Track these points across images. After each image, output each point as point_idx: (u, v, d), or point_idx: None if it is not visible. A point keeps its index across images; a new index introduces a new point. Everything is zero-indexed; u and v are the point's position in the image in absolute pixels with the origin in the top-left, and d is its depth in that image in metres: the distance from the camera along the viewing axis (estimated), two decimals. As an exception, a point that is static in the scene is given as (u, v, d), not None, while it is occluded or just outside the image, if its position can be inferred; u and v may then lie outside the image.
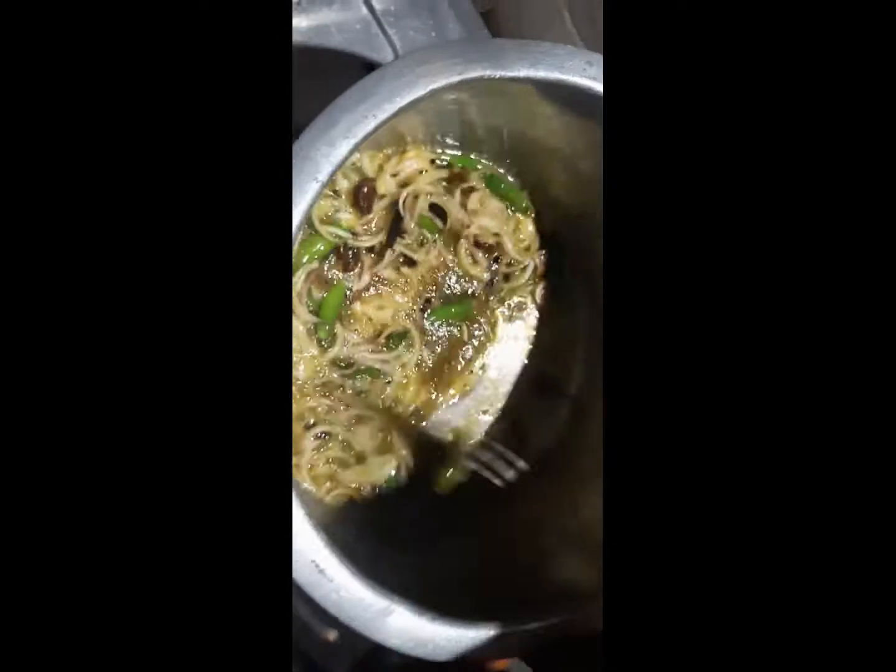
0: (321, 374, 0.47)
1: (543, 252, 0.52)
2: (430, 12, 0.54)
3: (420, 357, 0.50)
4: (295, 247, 0.32)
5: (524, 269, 0.52)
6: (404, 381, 0.49)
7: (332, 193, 0.46)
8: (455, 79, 0.36)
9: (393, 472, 0.48)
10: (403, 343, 0.49)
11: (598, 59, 0.38)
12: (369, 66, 0.54)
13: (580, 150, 0.44)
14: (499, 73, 0.36)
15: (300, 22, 0.53)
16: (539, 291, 0.53)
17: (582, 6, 0.57)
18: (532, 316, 0.53)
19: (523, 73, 0.37)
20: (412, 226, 0.48)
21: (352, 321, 0.48)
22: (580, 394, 0.53)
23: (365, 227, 0.47)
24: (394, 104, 0.35)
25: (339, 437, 0.47)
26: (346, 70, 0.54)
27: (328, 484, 0.46)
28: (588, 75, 0.38)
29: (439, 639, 0.33)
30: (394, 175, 0.46)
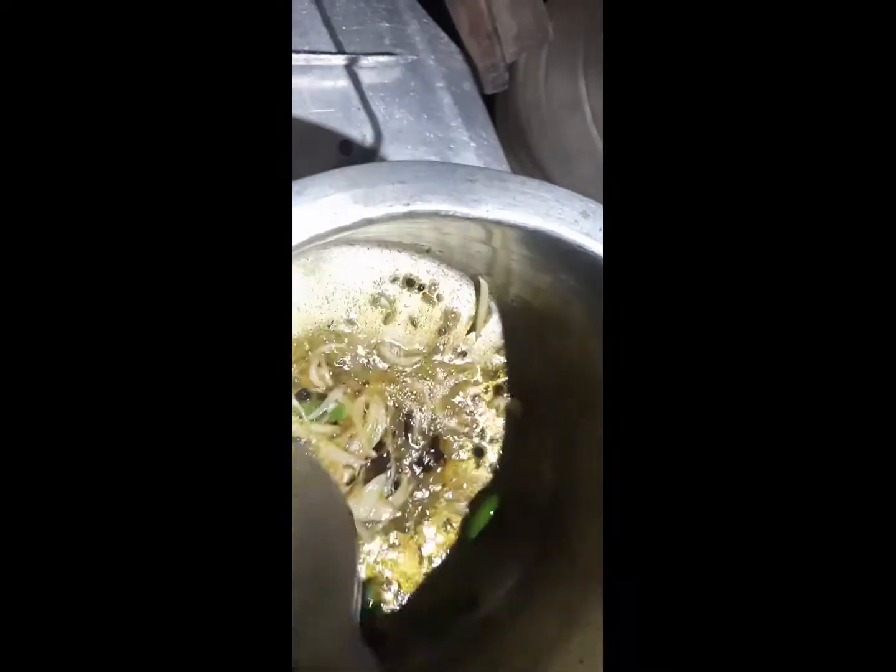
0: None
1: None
2: (423, 91, 0.46)
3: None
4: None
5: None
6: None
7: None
8: (399, 209, 0.27)
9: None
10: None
11: (597, 209, 0.29)
12: (344, 145, 0.46)
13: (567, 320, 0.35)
14: (459, 211, 0.27)
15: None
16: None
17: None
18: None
19: (494, 214, 0.28)
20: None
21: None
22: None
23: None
24: (306, 231, 0.26)
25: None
26: (313, 146, 0.45)
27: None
28: (581, 229, 0.29)
29: None
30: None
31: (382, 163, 0.41)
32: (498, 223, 0.28)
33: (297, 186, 0.26)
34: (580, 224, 0.29)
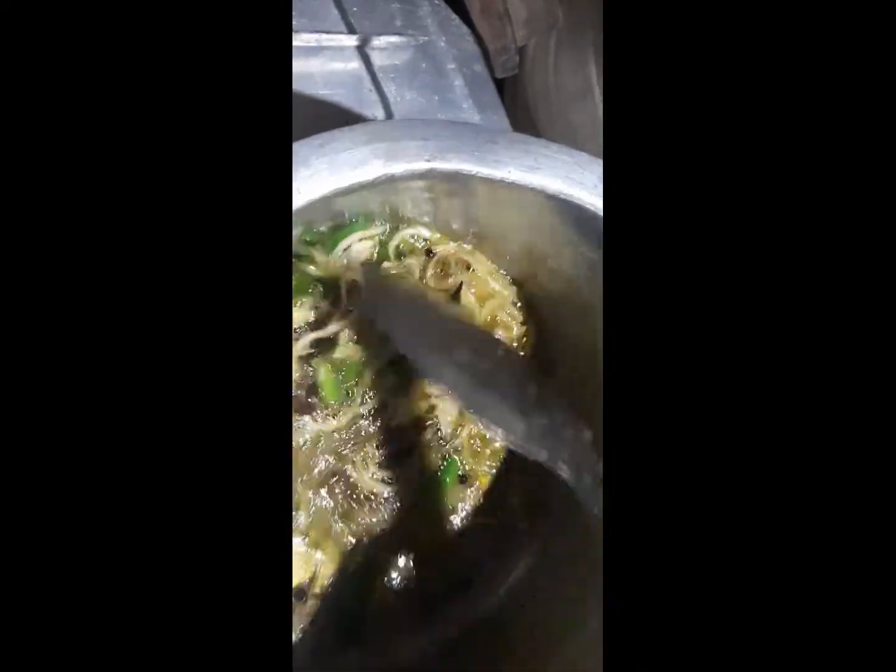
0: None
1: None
2: (434, 73, 0.45)
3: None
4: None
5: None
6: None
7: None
8: (420, 166, 0.26)
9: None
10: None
11: (617, 175, 0.29)
12: (354, 128, 0.45)
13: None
14: (481, 171, 0.27)
15: (281, 64, 0.44)
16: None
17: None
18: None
19: (515, 175, 0.28)
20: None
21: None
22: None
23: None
24: (329, 183, 0.25)
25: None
26: (324, 128, 0.45)
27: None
28: (601, 193, 0.29)
29: None
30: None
31: (405, 119, 0.41)
32: (519, 186, 0.28)
33: (318, 140, 0.26)
34: (600, 189, 0.29)
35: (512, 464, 0.42)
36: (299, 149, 0.25)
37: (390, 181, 0.26)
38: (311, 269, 0.36)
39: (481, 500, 0.42)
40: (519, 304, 0.41)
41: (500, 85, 0.49)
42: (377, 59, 0.46)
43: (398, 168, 0.26)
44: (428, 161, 0.26)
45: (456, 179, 0.27)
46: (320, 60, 0.45)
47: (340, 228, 0.36)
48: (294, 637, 0.36)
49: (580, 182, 0.29)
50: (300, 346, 0.36)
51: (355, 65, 0.45)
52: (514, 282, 0.40)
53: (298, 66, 0.45)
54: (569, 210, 0.29)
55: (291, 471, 0.36)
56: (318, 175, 0.25)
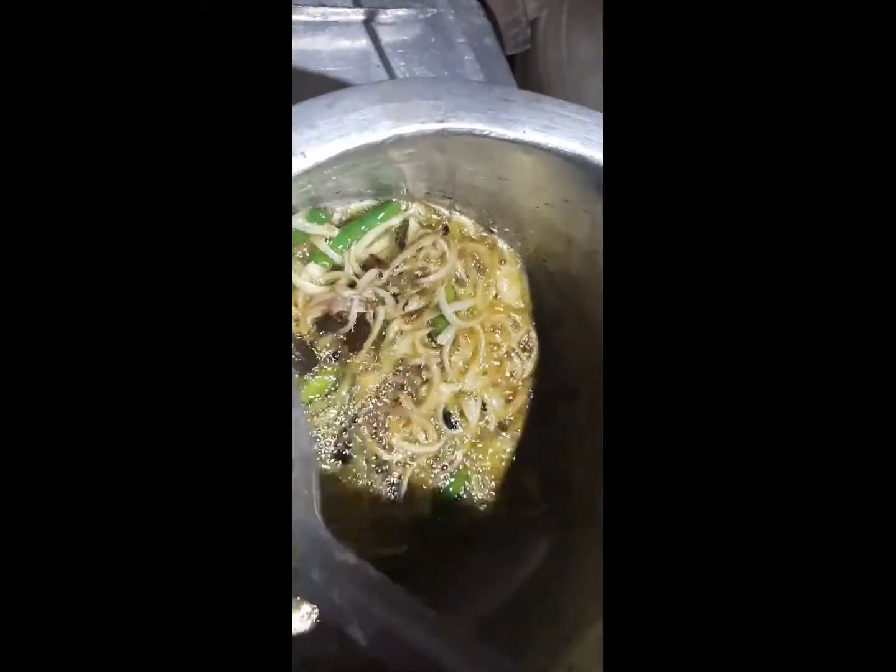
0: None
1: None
2: (444, 47, 0.44)
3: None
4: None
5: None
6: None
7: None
8: (432, 127, 0.25)
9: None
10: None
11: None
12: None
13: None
14: (494, 131, 0.26)
15: (287, 42, 0.43)
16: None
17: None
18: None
19: (530, 136, 0.26)
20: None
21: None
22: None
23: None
24: (336, 145, 0.24)
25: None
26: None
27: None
28: (619, 155, 0.28)
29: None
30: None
31: (416, 78, 0.40)
32: (534, 146, 0.27)
33: (326, 99, 0.25)
34: (619, 150, 0.28)
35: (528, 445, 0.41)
36: (305, 109, 0.24)
37: (400, 142, 0.25)
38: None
39: (498, 483, 0.41)
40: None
41: (510, 60, 0.48)
42: (385, 35, 0.45)
43: (409, 129, 0.25)
44: (440, 121, 0.25)
45: (470, 139, 0.26)
46: (327, 37, 0.44)
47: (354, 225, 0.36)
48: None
49: (599, 143, 0.27)
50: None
51: (363, 41, 0.44)
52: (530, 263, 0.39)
53: (305, 43, 0.44)
54: (586, 172, 0.28)
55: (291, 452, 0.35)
56: (324, 137, 0.24)
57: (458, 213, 0.38)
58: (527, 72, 0.50)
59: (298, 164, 0.24)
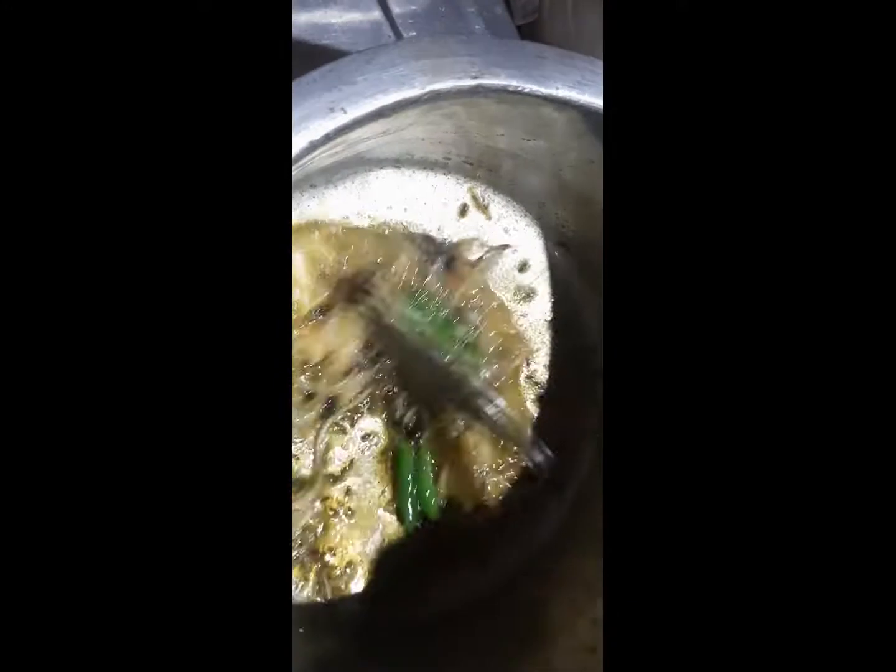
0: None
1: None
2: (454, 17, 0.45)
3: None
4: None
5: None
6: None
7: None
8: (467, 83, 0.26)
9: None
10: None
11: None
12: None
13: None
14: (528, 87, 0.26)
15: (298, 17, 0.43)
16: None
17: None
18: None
19: (563, 92, 0.27)
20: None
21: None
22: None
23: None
24: (374, 101, 0.24)
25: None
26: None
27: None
28: (647, 113, 0.28)
29: None
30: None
31: (452, 35, 0.40)
32: (566, 103, 0.27)
33: (365, 56, 0.25)
34: (648, 107, 0.28)
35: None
36: (345, 65, 0.25)
37: (436, 97, 0.25)
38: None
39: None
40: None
41: (518, 30, 0.48)
42: (395, 6, 0.45)
43: (445, 84, 0.25)
44: (475, 77, 0.26)
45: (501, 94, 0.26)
46: (339, 9, 0.44)
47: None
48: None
49: (627, 100, 0.28)
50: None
51: (374, 12, 0.45)
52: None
53: (317, 15, 0.44)
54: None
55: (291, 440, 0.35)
56: (364, 92, 0.24)
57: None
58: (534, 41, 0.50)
59: (338, 120, 0.24)
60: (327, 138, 0.24)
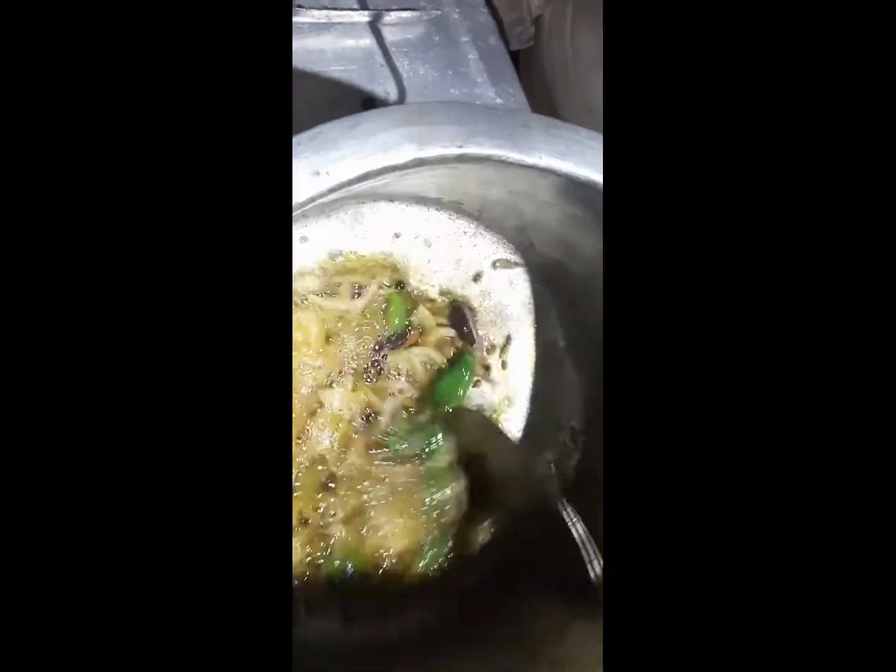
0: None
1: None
2: (448, 46, 0.44)
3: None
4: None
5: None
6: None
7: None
8: (452, 151, 0.26)
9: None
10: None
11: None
12: (367, 103, 0.44)
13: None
14: (512, 156, 0.27)
15: (290, 41, 0.43)
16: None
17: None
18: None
19: (546, 161, 0.27)
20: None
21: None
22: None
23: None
24: (359, 165, 0.25)
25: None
26: (337, 106, 0.44)
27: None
28: (629, 180, 0.29)
29: None
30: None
31: (438, 102, 0.40)
32: (550, 172, 0.27)
33: (350, 121, 0.25)
34: (630, 176, 0.29)
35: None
36: (328, 130, 0.25)
37: (420, 164, 0.26)
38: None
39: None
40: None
41: (515, 57, 0.48)
42: (389, 34, 0.45)
43: (431, 152, 0.26)
44: (460, 146, 0.26)
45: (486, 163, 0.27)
46: (331, 37, 0.44)
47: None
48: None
49: (610, 169, 0.28)
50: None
51: (367, 40, 0.44)
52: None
53: (309, 43, 0.44)
54: (597, 196, 0.29)
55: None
56: (347, 157, 0.25)
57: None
58: (531, 69, 0.50)
59: (323, 183, 0.25)
60: (311, 200, 0.25)
